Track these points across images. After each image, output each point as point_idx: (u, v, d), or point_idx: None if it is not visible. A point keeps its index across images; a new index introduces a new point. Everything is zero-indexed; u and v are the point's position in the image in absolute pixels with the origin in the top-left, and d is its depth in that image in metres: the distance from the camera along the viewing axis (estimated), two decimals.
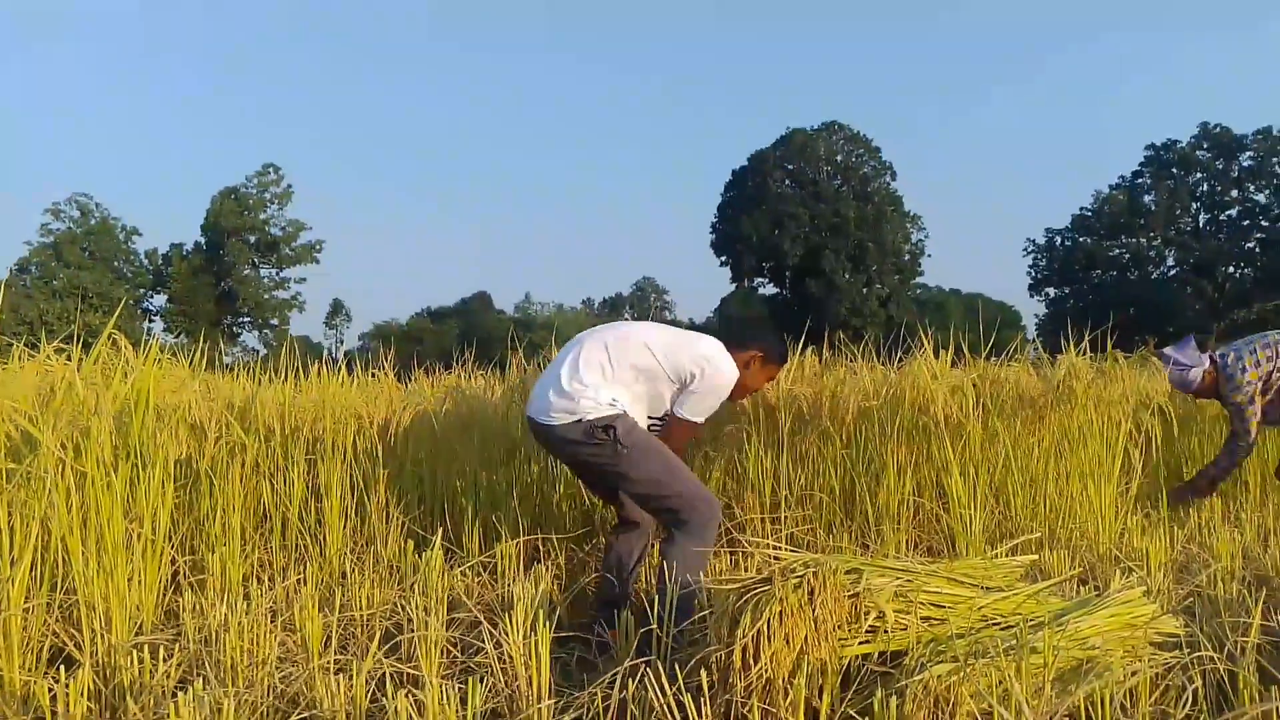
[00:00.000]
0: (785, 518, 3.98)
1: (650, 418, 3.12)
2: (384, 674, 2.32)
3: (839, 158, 58.87)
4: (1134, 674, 2.13)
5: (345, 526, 3.63)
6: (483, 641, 2.40)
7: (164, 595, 2.97)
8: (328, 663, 2.38)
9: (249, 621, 2.46)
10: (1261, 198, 56.98)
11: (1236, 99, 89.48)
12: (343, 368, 4.23)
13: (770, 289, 60.39)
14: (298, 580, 3.15)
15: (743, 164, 59.68)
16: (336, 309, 64.10)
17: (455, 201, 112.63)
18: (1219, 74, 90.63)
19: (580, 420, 2.93)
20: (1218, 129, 57.54)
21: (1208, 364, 4.47)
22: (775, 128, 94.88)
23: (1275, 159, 56.20)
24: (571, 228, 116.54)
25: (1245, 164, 57.06)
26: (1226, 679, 2.23)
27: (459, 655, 2.58)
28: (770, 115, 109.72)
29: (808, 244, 56.45)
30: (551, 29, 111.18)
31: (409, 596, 2.78)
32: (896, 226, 58.16)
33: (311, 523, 3.64)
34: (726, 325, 4.59)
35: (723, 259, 60.21)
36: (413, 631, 2.51)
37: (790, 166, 58.28)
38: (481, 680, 2.17)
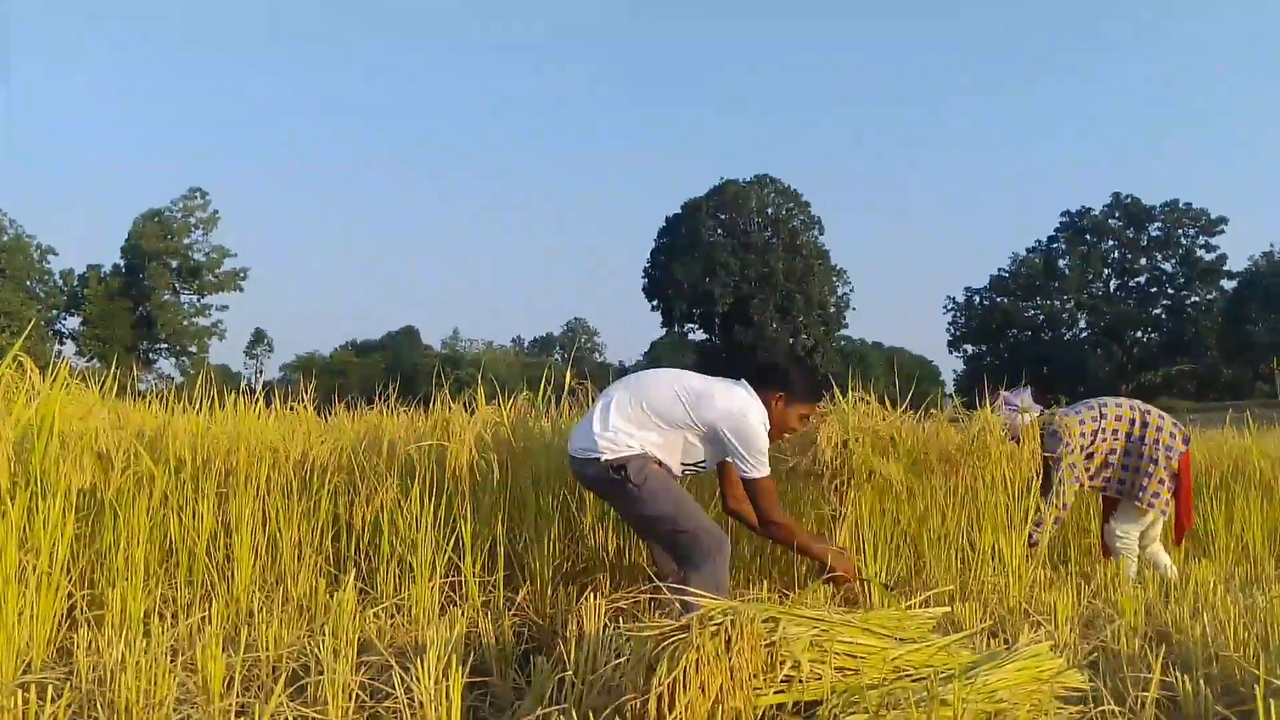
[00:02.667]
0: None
1: (684, 464, 3.30)
2: (288, 718, 2.25)
3: (769, 210, 60.07)
4: None
5: (255, 563, 3.51)
6: (393, 686, 2.34)
7: (57, 631, 2.83)
8: (229, 705, 2.29)
9: (147, 660, 2.36)
10: (1168, 267, 59.80)
11: (1148, 170, 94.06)
12: (260, 399, 4.12)
13: (700, 335, 61.02)
14: (202, 618, 3.03)
15: (676, 211, 60.45)
16: (259, 338, 62.74)
17: (386, 233, 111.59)
18: (1132, 144, 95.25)
19: (598, 458, 3.16)
20: (1129, 199, 60.28)
21: (1036, 414, 4.55)
22: (709, 176, 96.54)
23: (1181, 230, 59.05)
24: (503, 265, 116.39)
25: (1154, 234, 59.85)
26: None
27: (367, 700, 2.51)
28: (703, 163, 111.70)
29: (737, 292, 57.28)
30: (487, 66, 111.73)
31: (318, 638, 2.70)
32: (823, 279, 59.45)
33: (220, 559, 3.52)
34: (756, 367, 4.59)
35: (654, 303, 60.69)
36: (320, 674, 2.44)
37: (723, 216, 59.25)
38: None
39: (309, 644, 2.78)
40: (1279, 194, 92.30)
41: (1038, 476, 4.39)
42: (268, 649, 2.81)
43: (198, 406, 3.97)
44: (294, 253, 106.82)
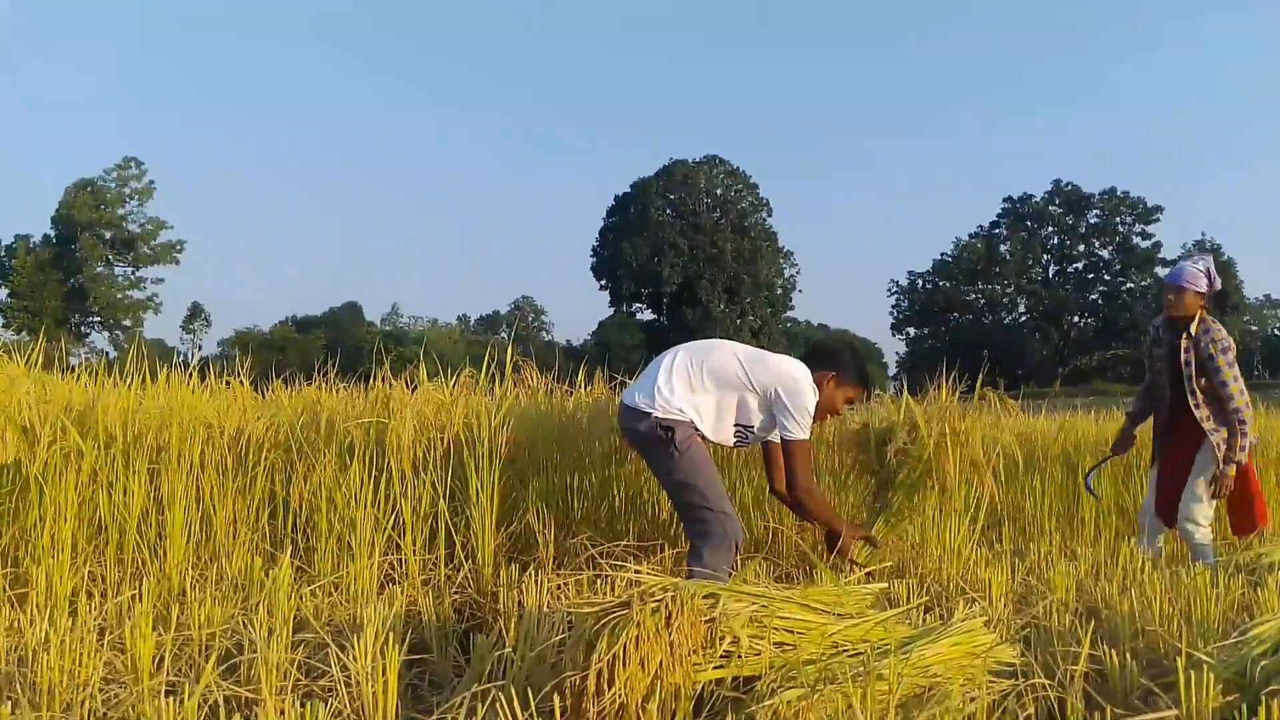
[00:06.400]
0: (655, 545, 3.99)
1: (738, 424, 3.42)
2: (221, 697, 2.20)
3: (718, 191, 60.18)
4: (972, 701, 2.21)
5: (188, 541, 3.44)
6: (329, 665, 2.30)
7: None
8: (159, 684, 2.24)
9: (73, 639, 2.29)
10: (1105, 253, 61.22)
11: (1088, 158, 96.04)
12: (194, 373, 4.02)
13: (648, 314, 61.08)
14: (132, 596, 2.95)
15: (626, 190, 60.25)
16: (195, 313, 61.32)
17: (329, 208, 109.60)
18: (1074, 133, 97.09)
19: (650, 415, 3.29)
20: (1069, 187, 61.48)
21: (1203, 293, 4.26)
22: (658, 156, 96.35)
23: (1118, 218, 60.45)
24: (449, 241, 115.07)
25: (1092, 221, 61.20)
26: (1057, 705, 2.34)
27: (302, 679, 2.46)
28: (652, 143, 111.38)
29: (685, 273, 57.39)
30: (433, 40, 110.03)
31: (252, 616, 2.65)
32: (770, 261, 59.81)
33: (152, 536, 3.43)
34: (811, 347, 4.80)
35: (602, 282, 60.54)
36: (254, 653, 2.39)
37: (672, 196, 59.22)
38: (325, 704, 2.08)
39: (243, 622, 2.72)
40: (1212, 184, 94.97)
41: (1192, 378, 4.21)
42: (200, 627, 2.75)
43: (129, 381, 3.86)
44: (233, 226, 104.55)
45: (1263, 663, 2.25)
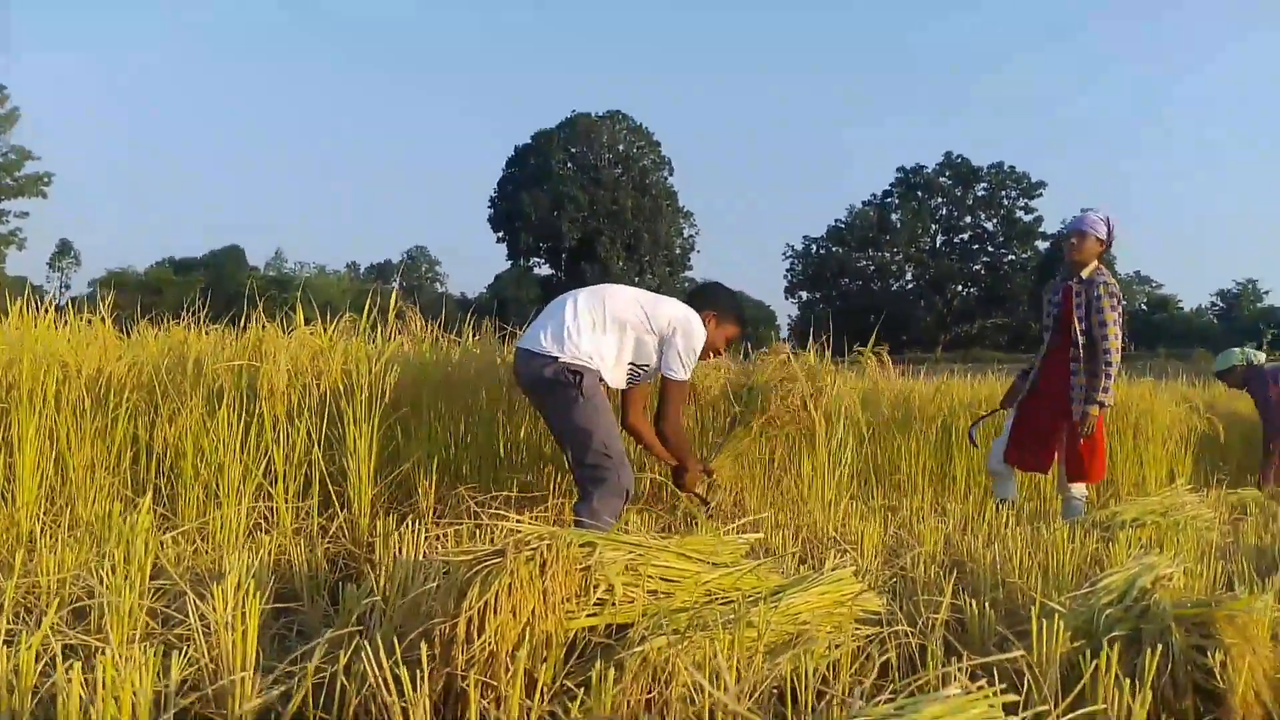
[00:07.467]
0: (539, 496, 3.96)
1: (632, 364, 3.48)
2: (59, 646, 2.08)
3: (620, 147, 59.79)
4: (837, 647, 2.26)
5: (40, 484, 3.25)
6: (188, 614, 2.20)
7: None
8: None
9: None
10: (990, 225, 63.34)
11: (978, 131, 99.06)
12: (50, 308, 3.77)
13: (546, 269, 60.53)
14: None
15: (526, 141, 59.27)
16: (64, 250, 57.96)
17: (216, 145, 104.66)
18: (969, 107, 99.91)
19: (556, 359, 3.29)
20: (959, 159, 63.26)
21: (1104, 240, 4.49)
22: (559, 108, 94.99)
23: (1003, 192, 62.57)
24: (340, 186, 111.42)
25: (979, 193, 63.15)
26: (918, 652, 2.42)
27: (157, 627, 2.36)
28: (553, 94, 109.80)
29: (585, 228, 57.06)
30: None
31: (106, 562, 2.52)
32: (670, 220, 59.93)
33: None
34: (694, 289, 4.94)
35: (500, 235, 59.67)
36: (105, 599, 2.27)
37: (573, 149, 58.59)
38: (180, 653, 1.99)
39: (95, 568, 2.59)
40: (1092, 162, 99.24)
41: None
42: (49, 574, 2.60)
43: None
44: (107, 159, 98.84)
45: (1108, 611, 2.37)
